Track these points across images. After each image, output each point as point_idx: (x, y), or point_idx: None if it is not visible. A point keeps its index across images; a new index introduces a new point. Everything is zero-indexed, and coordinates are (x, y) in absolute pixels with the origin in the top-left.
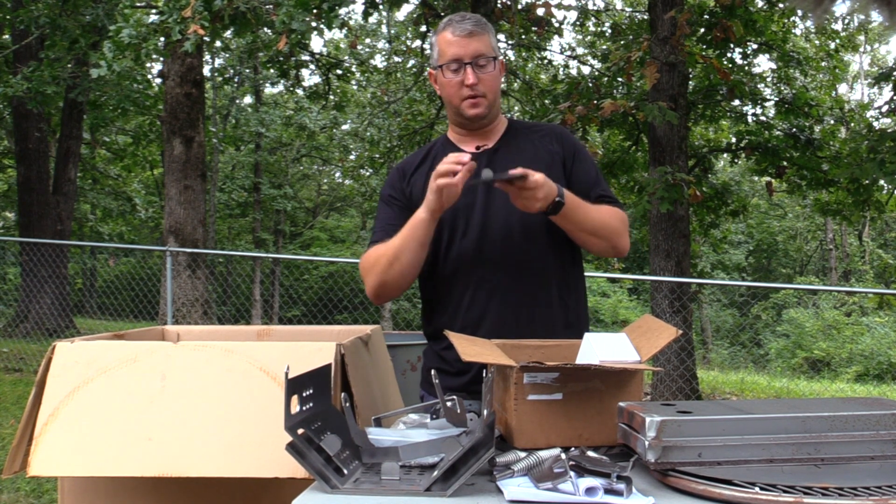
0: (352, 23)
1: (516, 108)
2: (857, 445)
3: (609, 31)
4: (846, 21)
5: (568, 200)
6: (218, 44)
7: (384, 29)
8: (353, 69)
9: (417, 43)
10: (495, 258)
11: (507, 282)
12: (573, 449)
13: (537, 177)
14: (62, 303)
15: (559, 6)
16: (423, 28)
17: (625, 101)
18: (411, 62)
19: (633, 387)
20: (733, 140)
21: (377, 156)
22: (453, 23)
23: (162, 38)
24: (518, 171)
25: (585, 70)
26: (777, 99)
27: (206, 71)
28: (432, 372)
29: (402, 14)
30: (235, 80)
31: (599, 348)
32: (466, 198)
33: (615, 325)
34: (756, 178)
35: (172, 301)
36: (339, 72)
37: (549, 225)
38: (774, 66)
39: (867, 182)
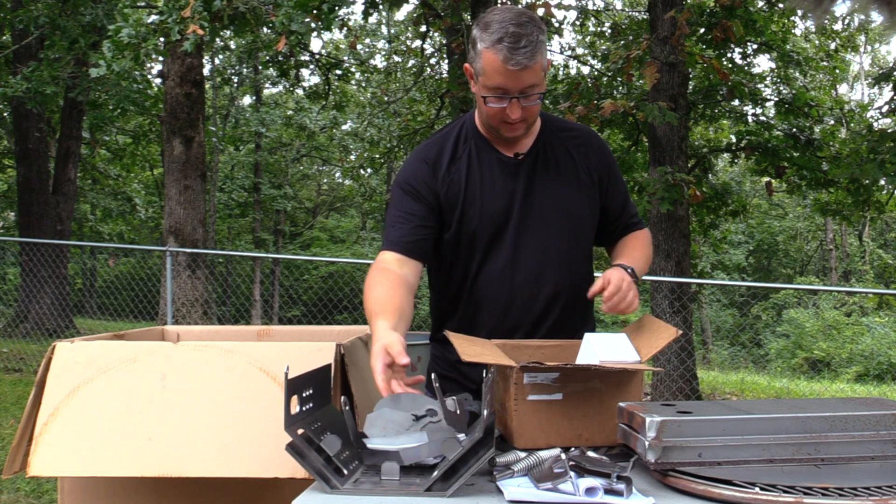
0: (351, 23)
1: None
2: (857, 445)
3: (609, 31)
4: (846, 21)
5: (638, 273)
6: (218, 43)
7: (384, 29)
8: (353, 69)
9: (417, 43)
10: (525, 291)
11: (534, 312)
12: (573, 449)
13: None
14: (62, 303)
15: (559, 6)
16: (423, 28)
17: (625, 101)
18: (411, 62)
19: (633, 387)
20: (733, 140)
21: (377, 156)
22: (505, 48)
23: (161, 38)
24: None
25: (585, 70)
26: (777, 99)
27: (206, 71)
28: (433, 375)
29: (402, 14)
30: (235, 80)
31: (599, 348)
32: (497, 221)
33: (615, 326)
34: (756, 178)
35: (172, 301)
36: (338, 72)
37: (579, 260)
38: (774, 66)
39: (867, 182)
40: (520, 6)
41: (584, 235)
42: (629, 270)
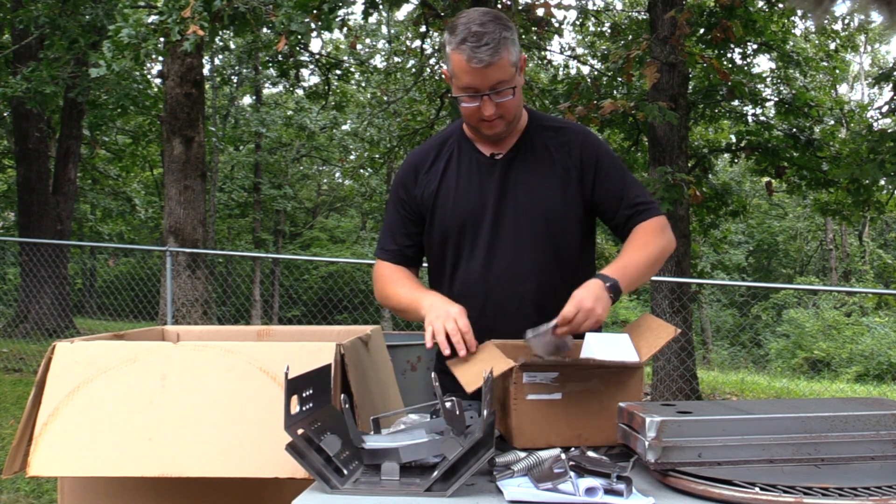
0: (351, 23)
1: None
2: (857, 445)
3: (609, 31)
4: (846, 21)
5: (623, 284)
6: (218, 43)
7: (384, 29)
8: (353, 69)
9: (417, 43)
10: (500, 290)
11: (510, 311)
12: (573, 449)
13: (579, 315)
14: (62, 303)
15: (559, 6)
16: (423, 28)
17: (625, 101)
18: (411, 62)
19: (633, 387)
20: (733, 140)
21: (377, 156)
22: (468, 48)
23: (161, 38)
24: (553, 323)
25: (585, 70)
26: (777, 99)
27: (206, 71)
28: (433, 374)
29: (402, 14)
30: (235, 80)
31: (599, 348)
32: (475, 217)
33: (615, 326)
34: (756, 178)
35: (172, 301)
36: (338, 72)
37: (562, 258)
38: (774, 66)
39: (867, 182)
40: (520, 6)
41: (566, 234)
42: (608, 284)
